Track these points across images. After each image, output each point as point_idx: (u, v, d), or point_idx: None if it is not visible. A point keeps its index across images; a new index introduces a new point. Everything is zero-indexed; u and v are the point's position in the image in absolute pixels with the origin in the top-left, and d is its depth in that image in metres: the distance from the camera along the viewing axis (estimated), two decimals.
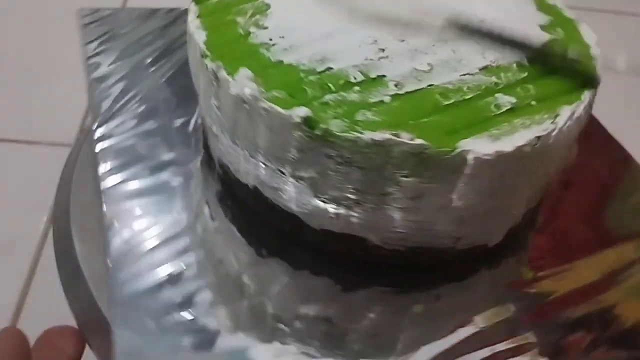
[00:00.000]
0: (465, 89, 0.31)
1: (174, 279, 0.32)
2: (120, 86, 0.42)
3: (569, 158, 0.35)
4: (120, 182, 0.36)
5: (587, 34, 0.36)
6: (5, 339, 0.31)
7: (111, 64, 0.44)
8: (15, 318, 0.50)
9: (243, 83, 0.29)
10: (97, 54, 0.45)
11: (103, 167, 0.37)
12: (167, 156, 0.38)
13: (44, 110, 0.59)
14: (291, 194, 0.32)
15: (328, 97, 0.29)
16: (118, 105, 0.41)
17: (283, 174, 0.31)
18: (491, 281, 0.35)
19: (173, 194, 0.36)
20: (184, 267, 0.33)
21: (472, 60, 0.32)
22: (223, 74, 0.30)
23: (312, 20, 0.34)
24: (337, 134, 0.28)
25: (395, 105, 0.29)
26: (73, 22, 0.65)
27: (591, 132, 0.40)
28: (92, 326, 0.34)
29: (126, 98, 0.41)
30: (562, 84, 0.32)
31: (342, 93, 0.29)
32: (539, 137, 0.29)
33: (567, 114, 0.30)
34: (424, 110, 0.29)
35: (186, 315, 0.31)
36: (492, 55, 0.33)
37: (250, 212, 0.35)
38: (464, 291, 0.35)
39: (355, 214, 0.31)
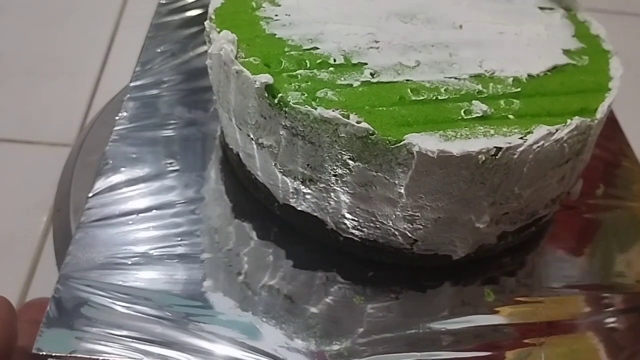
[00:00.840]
0: (442, 90, 0.30)
1: (140, 219, 0.34)
2: (166, 47, 0.45)
3: (564, 190, 0.33)
4: (129, 129, 0.39)
5: (615, 67, 0.34)
6: None
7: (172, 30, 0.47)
8: None
9: (221, 43, 0.30)
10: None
11: (122, 114, 0.40)
12: (182, 115, 0.41)
13: (44, 110, 0.58)
14: (258, 162, 0.33)
15: (300, 72, 0.30)
16: (159, 64, 0.44)
17: (252, 139, 0.32)
18: (453, 298, 0.34)
19: (172, 147, 0.38)
20: (154, 208, 0.35)
21: (466, 66, 0.32)
22: (214, 34, 0.32)
23: (326, 5, 0.35)
24: (292, 104, 0.28)
25: (361, 90, 0.29)
26: (73, 21, 0.65)
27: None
28: None
29: (167, 56, 0.44)
30: (554, 107, 0.30)
31: (315, 71, 0.30)
32: (498, 149, 0.28)
33: (541, 133, 0.28)
34: (387, 100, 0.29)
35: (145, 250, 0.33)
36: (489, 66, 0.32)
37: (235, 177, 0.37)
38: (423, 299, 0.34)
39: (310, 192, 0.31)
